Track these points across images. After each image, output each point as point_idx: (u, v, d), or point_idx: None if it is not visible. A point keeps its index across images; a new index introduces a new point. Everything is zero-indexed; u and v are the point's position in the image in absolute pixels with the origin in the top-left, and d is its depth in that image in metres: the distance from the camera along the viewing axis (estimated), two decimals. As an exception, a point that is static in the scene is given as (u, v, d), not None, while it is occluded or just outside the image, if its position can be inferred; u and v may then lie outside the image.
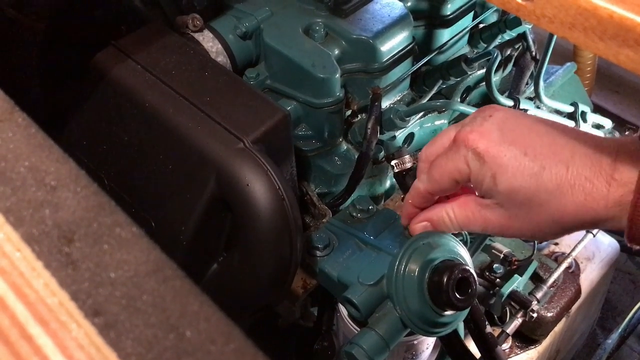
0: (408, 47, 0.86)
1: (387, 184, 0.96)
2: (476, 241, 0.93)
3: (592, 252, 1.14)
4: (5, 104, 0.42)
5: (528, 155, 0.52)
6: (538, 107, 1.03)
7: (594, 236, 1.07)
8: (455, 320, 0.70)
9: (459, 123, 0.61)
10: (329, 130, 0.86)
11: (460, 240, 0.72)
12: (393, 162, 0.84)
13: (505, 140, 0.53)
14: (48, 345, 0.31)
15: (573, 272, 1.09)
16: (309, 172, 0.89)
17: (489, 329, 0.81)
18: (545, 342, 1.05)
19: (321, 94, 0.82)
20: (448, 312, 0.67)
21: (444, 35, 0.95)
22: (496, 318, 1.00)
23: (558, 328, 1.06)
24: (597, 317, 1.39)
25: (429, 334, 0.71)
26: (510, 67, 1.10)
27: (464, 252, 0.70)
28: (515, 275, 0.97)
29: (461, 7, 0.94)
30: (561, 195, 0.51)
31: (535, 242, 1.04)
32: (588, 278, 1.11)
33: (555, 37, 0.96)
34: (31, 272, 0.33)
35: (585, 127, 1.09)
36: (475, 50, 1.02)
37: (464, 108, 0.91)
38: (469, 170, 0.56)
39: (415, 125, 0.93)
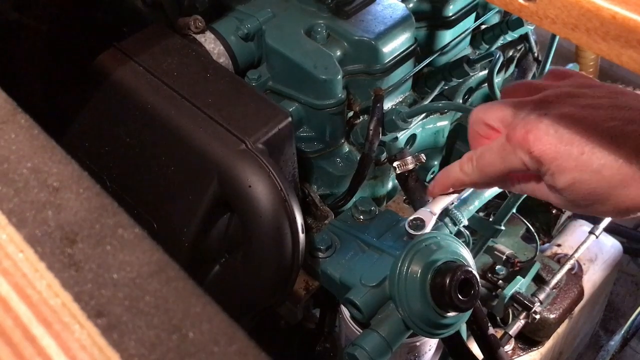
0: (410, 49, 0.86)
1: (389, 185, 0.96)
2: (479, 242, 0.93)
3: (595, 253, 1.14)
4: (8, 105, 0.42)
5: (586, 153, 0.51)
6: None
7: (597, 237, 1.07)
8: (458, 321, 0.70)
9: (515, 105, 0.58)
10: (331, 132, 0.86)
11: (462, 242, 0.72)
12: (395, 164, 0.84)
13: (562, 141, 0.52)
14: (51, 346, 0.31)
15: (576, 274, 1.09)
16: (311, 174, 0.89)
17: (491, 330, 0.81)
18: (548, 344, 1.05)
19: (323, 95, 0.82)
20: (450, 314, 0.67)
21: (446, 36, 0.95)
22: (499, 320, 1.00)
23: (561, 330, 1.05)
24: (600, 319, 1.39)
25: (431, 335, 0.71)
26: (512, 68, 1.10)
27: (466, 254, 0.70)
28: (518, 277, 0.97)
29: (463, 8, 0.94)
30: (625, 188, 0.51)
31: (538, 244, 1.04)
32: (591, 280, 1.11)
33: (557, 38, 0.96)
34: (34, 273, 0.33)
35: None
36: (478, 52, 1.02)
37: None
38: (526, 169, 0.56)
39: (417, 126, 0.93)
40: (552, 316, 1.02)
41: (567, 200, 0.55)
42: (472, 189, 0.88)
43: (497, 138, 0.59)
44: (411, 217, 0.74)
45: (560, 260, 1.09)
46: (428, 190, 0.71)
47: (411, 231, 0.73)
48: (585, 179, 0.52)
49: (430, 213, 0.73)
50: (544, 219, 1.16)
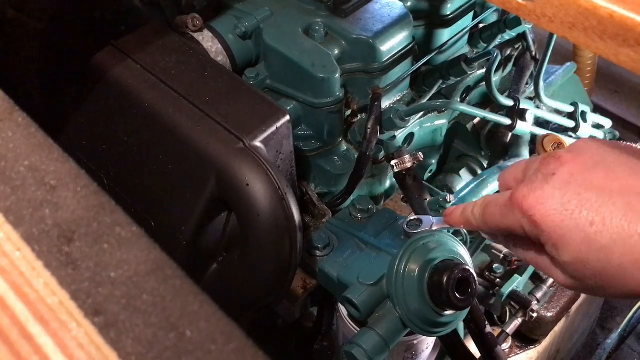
0: (408, 47, 0.86)
1: (387, 183, 0.96)
2: (476, 241, 0.93)
3: (592, 252, 1.14)
4: (5, 103, 0.42)
5: (595, 225, 0.44)
6: (538, 107, 1.03)
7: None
8: (455, 320, 0.70)
9: (527, 163, 0.52)
10: (329, 130, 0.86)
11: (460, 240, 0.72)
12: (393, 162, 0.84)
13: (568, 208, 0.45)
14: (48, 344, 0.31)
15: (573, 272, 1.09)
16: (309, 172, 0.89)
17: (488, 328, 0.81)
18: (545, 342, 1.05)
19: (321, 93, 0.82)
20: (448, 312, 0.67)
21: (444, 35, 0.95)
22: (496, 318, 1.00)
23: (558, 328, 1.06)
24: (597, 317, 1.39)
25: (428, 333, 0.71)
26: (510, 67, 1.10)
27: (464, 252, 0.70)
28: (515, 275, 0.97)
29: (461, 7, 0.94)
30: None
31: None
32: (588, 278, 1.11)
33: (555, 37, 0.96)
34: (31, 271, 0.33)
35: (585, 127, 1.09)
36: (475, 50, 1.02)
37: (463, 108, 0.91)
38: (524, 233, 0.49)
39: (415, 125, 0.93)
40: (549, 314, 1.02)
41: (571, 277, 0.48)
42: (470, 187, 0.88)
43: (506, 192, 0.52)
44: (410, 218, 0.74)
45: (558, 258, 1.09)
46: (444, 214, 0.64)
47: (409, 230, 0.73)
48: (592, 257, 0.44)
49: (431, 220, 0.72)
50: (541, 218, 1.16)
